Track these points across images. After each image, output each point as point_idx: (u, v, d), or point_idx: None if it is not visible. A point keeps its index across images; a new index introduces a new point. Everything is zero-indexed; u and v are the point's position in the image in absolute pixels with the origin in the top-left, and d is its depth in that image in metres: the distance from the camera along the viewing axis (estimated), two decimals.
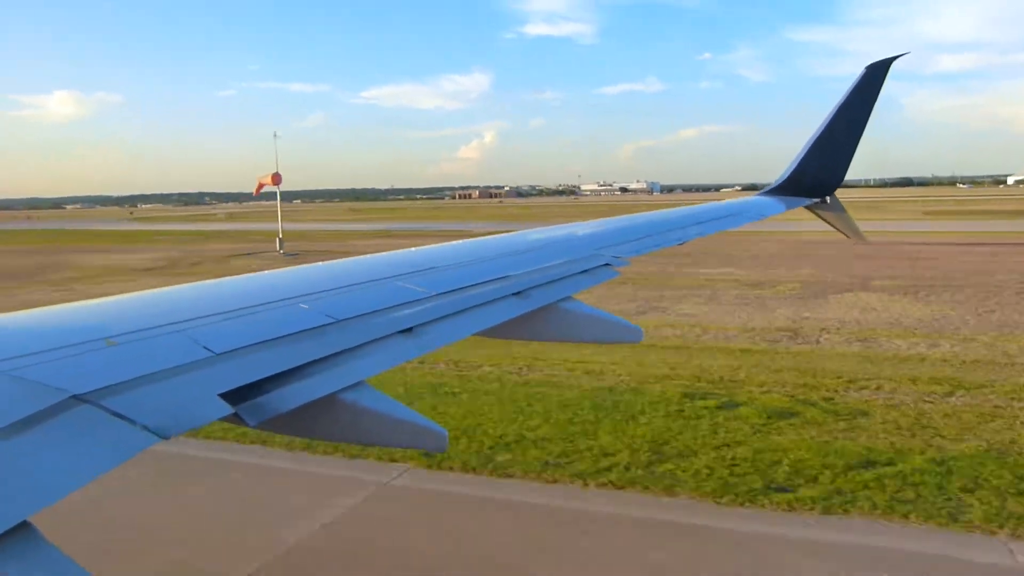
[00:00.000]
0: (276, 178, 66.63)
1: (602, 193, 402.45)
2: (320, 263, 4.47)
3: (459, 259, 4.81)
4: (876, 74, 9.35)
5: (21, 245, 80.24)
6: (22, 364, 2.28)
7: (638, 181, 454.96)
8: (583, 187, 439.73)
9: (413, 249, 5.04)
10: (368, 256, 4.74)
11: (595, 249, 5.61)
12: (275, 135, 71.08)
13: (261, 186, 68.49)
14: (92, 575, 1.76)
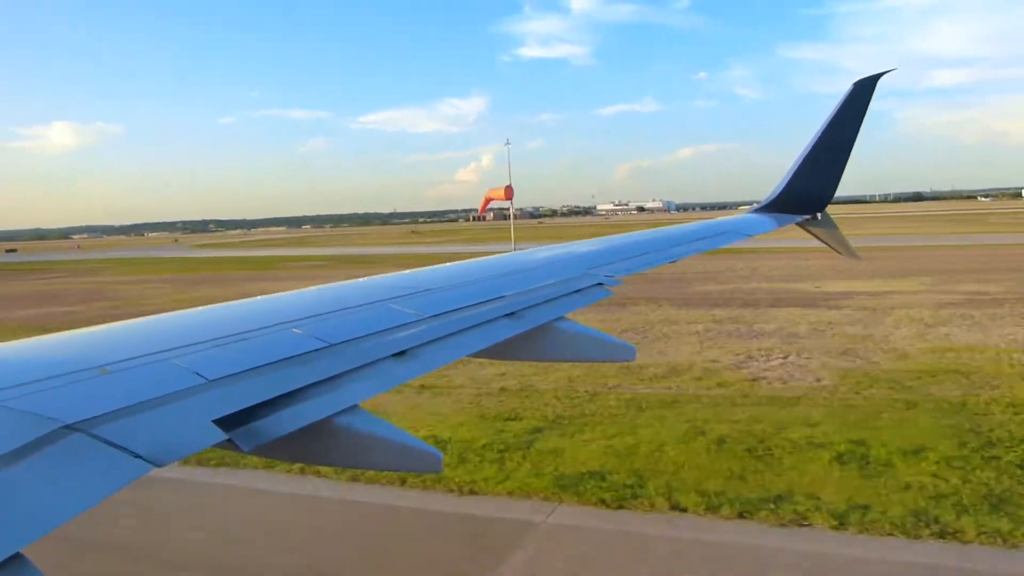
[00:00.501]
0: (508, 192, 61.75)
1: (619, 212, 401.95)
2: (312, 287, 4.47)
3: (452, 281, 4.82)
4: (864, 90, 9.39)
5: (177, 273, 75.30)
6: (13, 395, 2.27)
7: (654, 200, 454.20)
8: (599, 207, 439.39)
9: (406, 272, 5.04)
10: (360, 279, 4.74)
11: (587, 268, 5.62)
12: (507, 143, 63.77)
13: (488, 201, 63.81)
14: None
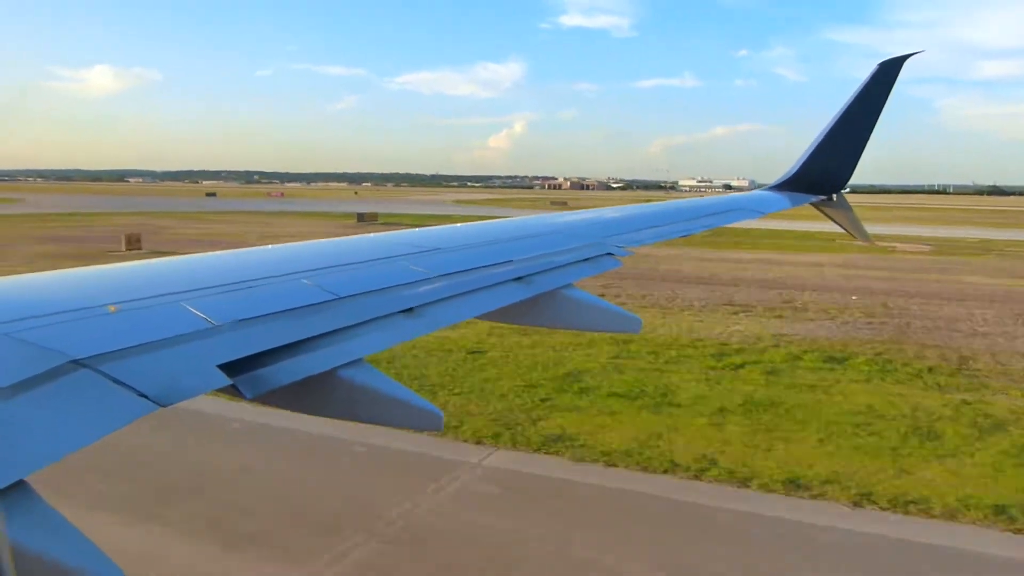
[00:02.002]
0: None
1: (703, 189, 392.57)
2: (324, 240, 4.47)
3: (463, 242, 4.81)
4: (889, 72, 9.23)
5: None
6: (23, 327, 2.29)
7: (739, 179, 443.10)
8: (681, 183, 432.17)
9: (418, 230, 5.04)
10: (372, 235, 4.74)
11: (599, 238, 5.60)
12: None
13: None
14: (82, 533, 1.78)
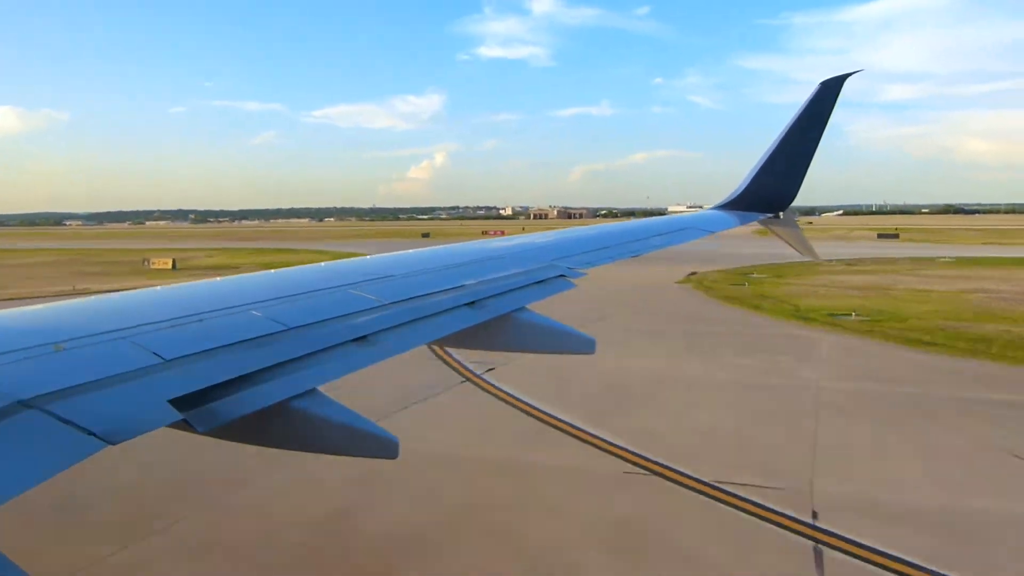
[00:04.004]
0: None
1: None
2: (270, 271, 4.46)
3: (414, 268, 4.84)
4: (830, 91, 9.45)
5: None
6: None
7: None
8: (670, 208, 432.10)
9: (368, 257, 5.05)
10: (321, 264, 4.74)
11: (551, 260, 5.67)
12: None
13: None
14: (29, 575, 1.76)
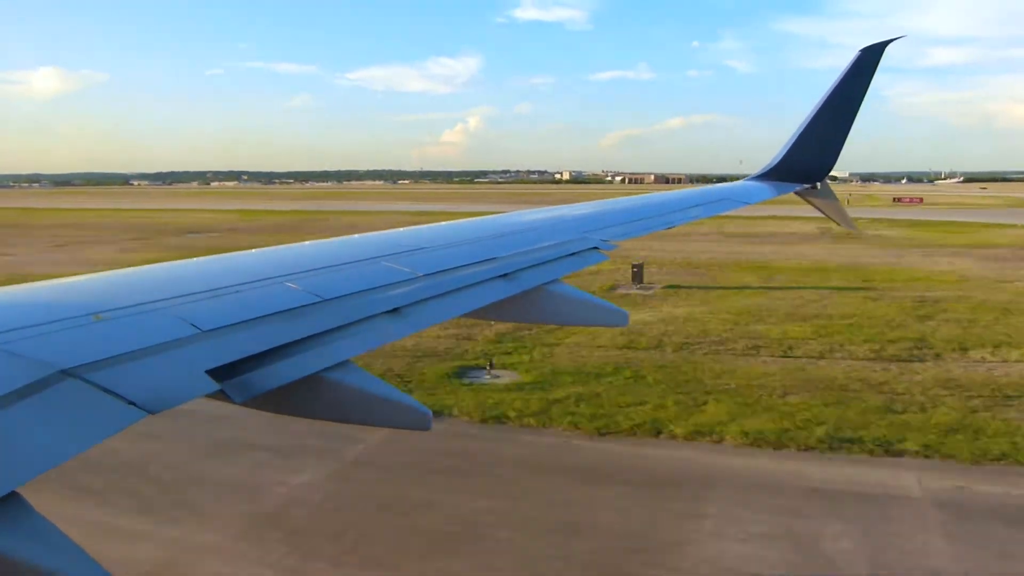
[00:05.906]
0: None
1: None
2: (306, 242, 4.47)
3: (446, 240, 4.82)
4: (870, 58, 9.15)
5: None
6: (11, 338, 2.30)
7: (841, 172, 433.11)
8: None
9: (400, 229, 5.04)
10: (355, 236, 4.75)
11: (583, 232, 5.62)
12: None
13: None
14: (73, 542, 1.80)
